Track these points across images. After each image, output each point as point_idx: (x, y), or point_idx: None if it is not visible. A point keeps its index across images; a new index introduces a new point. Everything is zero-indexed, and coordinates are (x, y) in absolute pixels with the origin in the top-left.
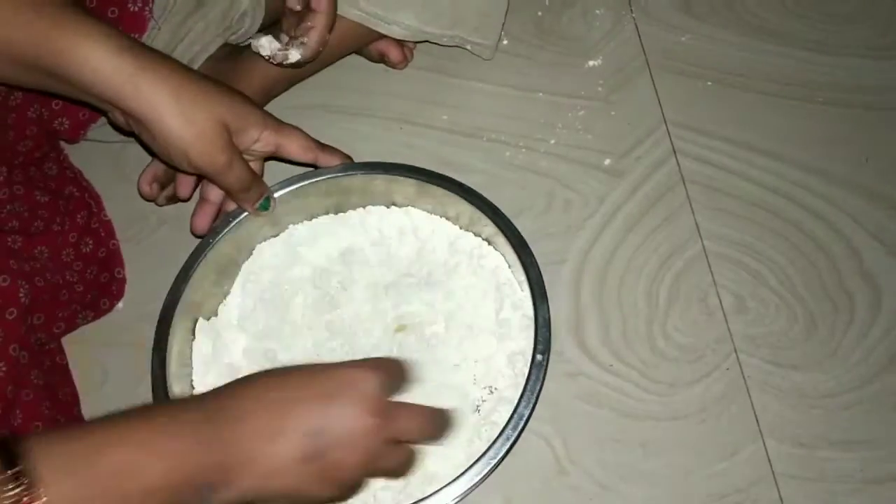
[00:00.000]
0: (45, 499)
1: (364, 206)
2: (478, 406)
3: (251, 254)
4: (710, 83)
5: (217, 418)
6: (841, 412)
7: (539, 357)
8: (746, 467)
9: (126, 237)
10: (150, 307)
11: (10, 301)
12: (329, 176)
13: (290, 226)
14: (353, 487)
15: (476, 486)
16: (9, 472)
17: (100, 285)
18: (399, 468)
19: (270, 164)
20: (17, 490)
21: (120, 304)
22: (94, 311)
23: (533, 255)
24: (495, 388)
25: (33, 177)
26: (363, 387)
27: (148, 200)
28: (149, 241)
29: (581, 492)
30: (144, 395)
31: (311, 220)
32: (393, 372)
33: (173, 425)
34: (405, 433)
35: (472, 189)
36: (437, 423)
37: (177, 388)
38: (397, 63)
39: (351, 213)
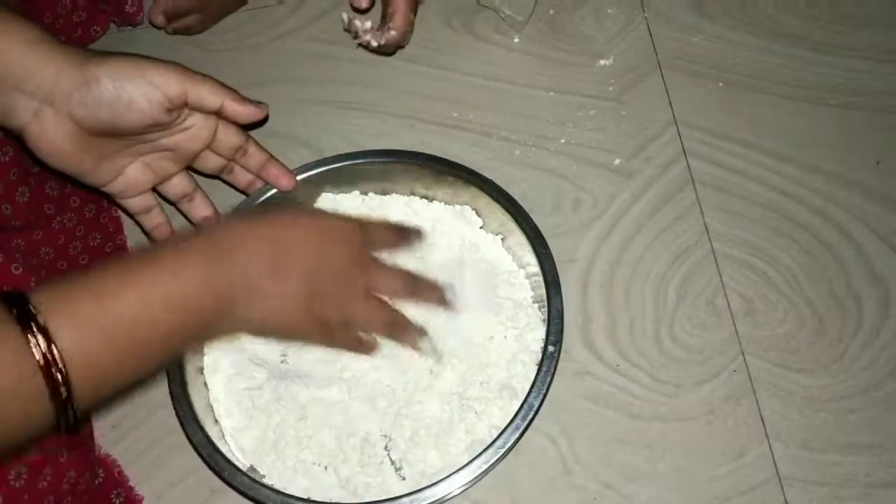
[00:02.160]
0: (58, 353)
1: (378, 194)
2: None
3: None
4: (721, 84)
5: (222, 258)
6: (848, 416)
7: (551, 349)
8: (752, 470)
9: (134, 232)
10: None
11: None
12: (346, 163)
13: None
14: (337, 331)
15: (484, 473)
16: (23, 327)
17: None
18: (374, 316)
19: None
20: (35, 347)
21: None
22: None
23: (548, 247)
24: (503, 382)
25: (43, 170)
26: (351, 238)
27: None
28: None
29: (586, 491)
30: (153, 385)
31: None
32: (377, 232)
33: (181, 266)
34: (379, 284)
35: (489, 179)
36: (409, 282)
37: (190, 374)
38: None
39: (371, 196)
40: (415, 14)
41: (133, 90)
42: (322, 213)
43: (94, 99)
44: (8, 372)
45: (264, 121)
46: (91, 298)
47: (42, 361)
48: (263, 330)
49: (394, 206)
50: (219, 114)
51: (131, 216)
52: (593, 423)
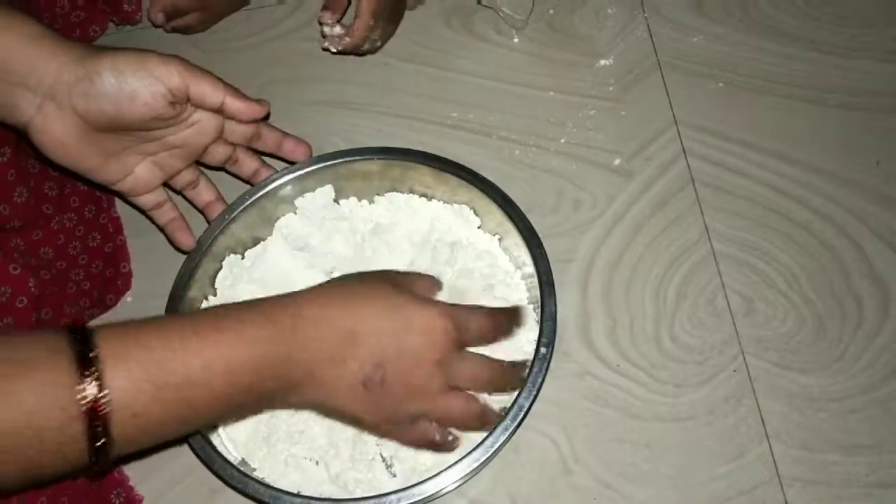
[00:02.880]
0: (111, 402)
1: (378, 192)
2: None
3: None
4: (721, 84)
5: (284, 337)
6: (848, 416)
7: (543, 350)
8: (752, 470)
9: (133, 232)
10: (156, 302)
11: (20, 290)
12: (345, 160)
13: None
14: (404, 426)
15: (474, 472)
16: (77, 368)
17: (106, 280)
18: (455, 415)
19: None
20: (86, 391)
21: (129, 299)
22: (100, 306)
23: (543, 248)
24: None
25: (42, 170)
26: (436, 335)
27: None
28: (155, 235)
29: (586, 491)
30: None
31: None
32: (463, 323)
33: (242, 339)
34: (463, 381)
35: (485, 178)
36: (495, 374)
37: None
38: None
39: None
40: (376, 21)
41: (135, 82)
42: (405, 294)
43: (96, 92)
44: (54, 410)
45: (265, 118)
46: (151, 351)
47: (88, 407)
48: (325, 410)
49: (392, 204)
50: (220, 111)
51: (143, 212)
52: (593, 423)
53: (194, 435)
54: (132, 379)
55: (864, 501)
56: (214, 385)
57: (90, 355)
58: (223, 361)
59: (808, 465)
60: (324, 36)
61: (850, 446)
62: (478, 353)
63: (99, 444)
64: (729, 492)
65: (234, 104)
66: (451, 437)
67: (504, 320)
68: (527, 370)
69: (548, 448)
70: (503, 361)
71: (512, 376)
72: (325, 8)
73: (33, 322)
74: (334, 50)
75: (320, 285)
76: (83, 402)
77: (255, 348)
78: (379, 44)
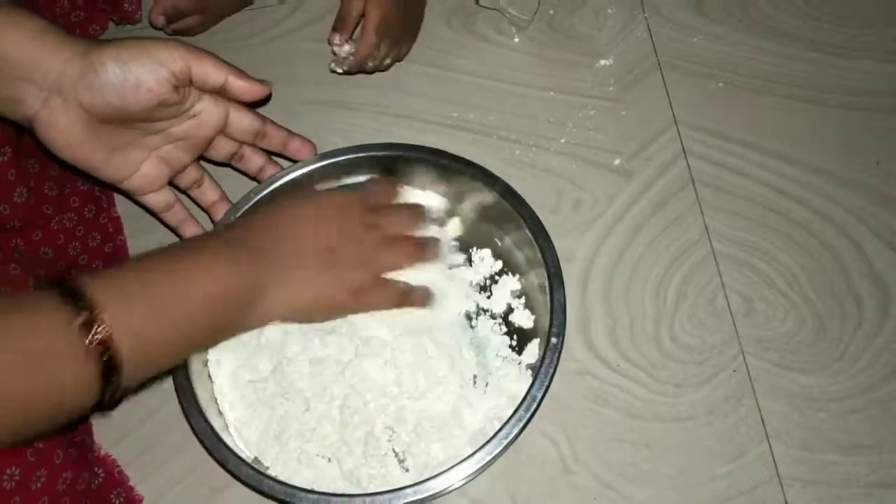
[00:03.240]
0: (108, 323)
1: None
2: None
3: None
4: (721, 84)
5: (248, 247)
6: (848, 416)
7: (554, 340)
8: (752, 470)
9: (133, 232)
10: None
11: (20, 290)
12: (350, 156)
13: None
14: (372, 289)
15: (488, 465)
16: (72, 305)
17: None
18: (400, 257)
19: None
20: (82, 318)
21: None
22: None
23: (550, 240)
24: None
25: (42, 170)
26: (352, 203)
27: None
28: (155, 235)
29: (585, 491)
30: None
31: None
32: (372, 193)
33: (211, 257)
34: (393, 223)
35: (489, 171)
36: (417, 216)
37: (194, 366)
38: None
39: None
40: (380, 40)
41: (138, 70)
42: (321, 193)
43: (101, 83)
44: (60, 344)
45: (267, 100)
46: (136, 277)
47: (89, 332)
48: (298, 309)
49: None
50: (224, 91)
51: (153, 214)
52: (593, 423)
53: (206, 433)
54: (122, 301)
55: (864, 501)
56: (202, 295)
57: (80, 289)
58: (204, 273)
59: (808, 465)
60: (334, 55)
61: (850, 446)
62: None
63: (108, 365)
64: (729, 492)
65: (236, 83)
66: (419, 288)
67: (393, 183)
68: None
69: (548, 448)
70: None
71: (424, 214)
72: (334, 30)
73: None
74: (340, 71)
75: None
76: (85, 329)
77: (223, 275)
78: (388, 62)
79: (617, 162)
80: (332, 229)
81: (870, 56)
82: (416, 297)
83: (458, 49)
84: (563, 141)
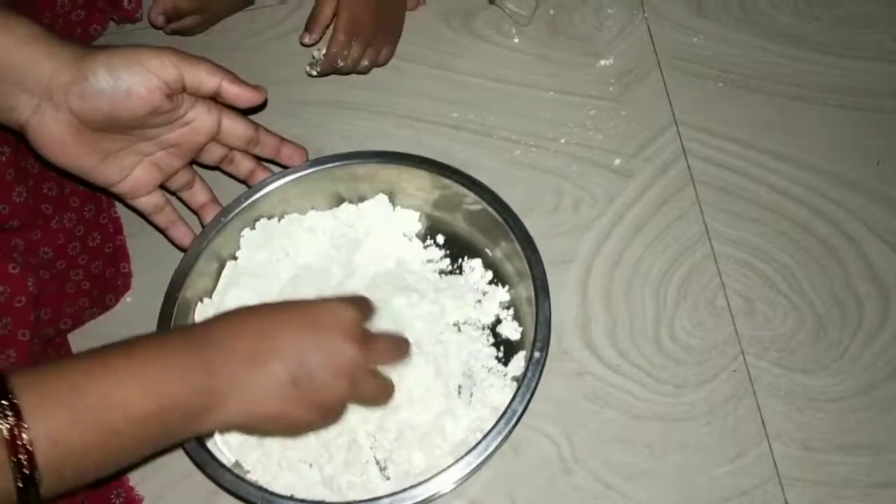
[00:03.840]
0: (30, 431)
1: (372, 196)
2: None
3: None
4: (721, 84)
5: (202, 347)
6: (848, 416)
7: (537, 354)
8: (752, 470)
9: (133, 232)
10: (156, 302)
11: (19, 289)
12: (341, 163)
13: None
14: (335, 412)
15: (468, 476)
16: None
17: (105, 280)
18: (378, 395)
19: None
20: (3, 422)
21: (128, 299)
22: (99, 306)
23: (538, 253)
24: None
25: (42, 170)
26: (343, 316)
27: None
28: (155, 235)
29: (585, 491)
30: None
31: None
32: (364, 305)
33: (157, 355)
34: (382, 357)
35: (481, 183)
36: (405, 347)
37: None
38: (410, 6)
39: (347, 206)
40: (351, 40)
41: (130, 78)
42: (311, 301)
43: (92, 91)
44: None
45: (262, 106)
46: (66, 380)
47: (8, 437)
48: (251, 424)
49: (376, 211)
50: (218, 97)
51: (143, 216)
52: (593, 423)
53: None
54: (49, 407)
55: (864, 501)
56: (131, 405)
57: (7, 389)
58: (137, 379)
59: (808, 465)
60: (313, 58)
61: (850, 446)
62: (380, 332)
63: (26, 474)
64: (729, 492)
65: (230, 88)
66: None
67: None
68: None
69: (548, 448)
70: (398, 335)
71: (408, 347)
72: (305, 29)
73: (31, 322)
74: (314, 73)
75: (228, 311)
76: (3, 432)
77: (169, 361)
78: (365, 63)
79: (617, 162)
80: (311, 346)
81: (870, 56)
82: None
83: (458, 49)
84: (563, 141)
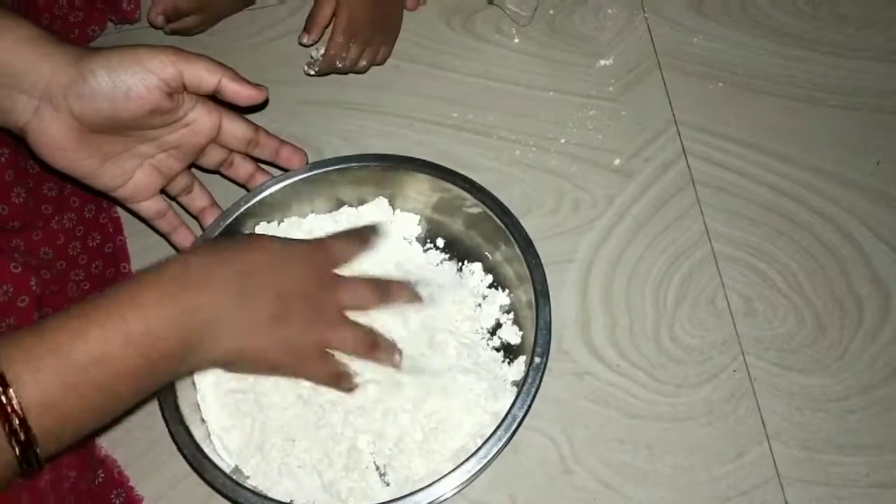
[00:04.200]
0: (16, 399)
1: (372, 199)
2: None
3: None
4: (721, 84)
5: (183, 287)
6: (848, 416)
7: (537, 360)
8: (752, 470)
9: (133, 232)
10: None
11: (22, 289)
12: (341, 166)
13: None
14: (310, 357)
15: (466, 483)
16: None
17: (105, 280)
18: (357, 343)
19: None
20: None
21: None
22: None
23: (538, 257)
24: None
25: (42, 171)
26: (312, 258)
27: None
28: (155, 235)
29: (585, 491)
30: None
31: (308, 213)
32: (336, 247)
33: (137, 303)
34: (354, 298)
35: (481, 186)
36: (382, 289)
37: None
38: (410, 6)
39: (346, 209)
40: (349, 40)
41: (129, 78)
42: (282, 239)
43: (91, 92)
44: None
45: (263, 105)
46: (48, 343)
47: (1, 411)
48: (234, 360)
49: (376, 214)
50: (218, 94)
51: (146, 222)
52: (593, 423)
53: (185, 442)
54: (34, 372)
55: (864, 501)
56: (116, 360)
57: None
58: (119, 332)
59: (808, 466)
60: (311, 58)
61: (850, 446)
62: (359, 276)
63: (22, 440)
64: (729, 492)
65: (230, 86)
66: (351, 375)
67: (364, 233)
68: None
69: (548, 448)
70: (383, 277)
71: (397, 285)
72: (304, 30)
73: (34, 320)
74: (312, 73)
75: (200, 248)
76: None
77: (149, 309)
78: (363, 63)
79: (617, 162)
80: (289, 285)
81: (870, 56)
82: (347, 381)
83: (459, 49)
84: (563, 141)
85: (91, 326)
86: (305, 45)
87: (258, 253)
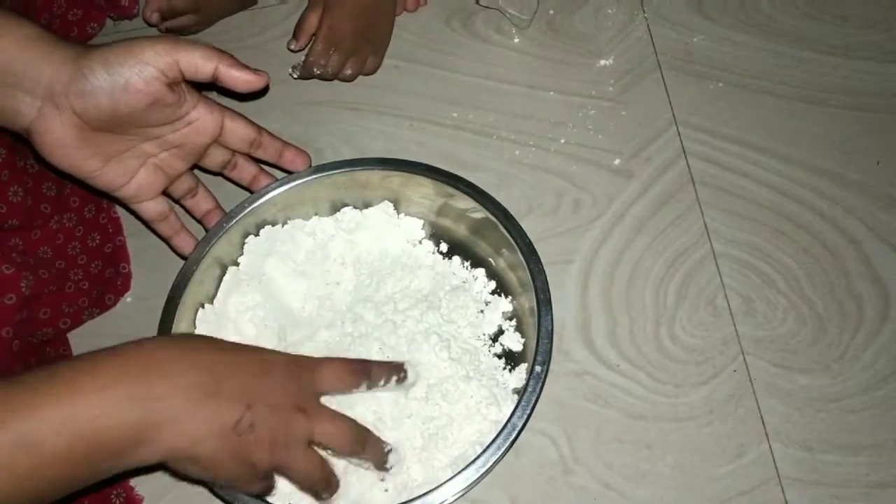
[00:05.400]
0: None
1: (375, 203)
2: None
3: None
4: (721, 84)
5: (143, 372)
6: (848, 416)
7: (538, 368)
8: (752, 470)
9: (133, 232)
10: (156, 302)
11: (10, 288)
12: (345, 170)
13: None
14: (261, 475)
15: (467, 489)
16: None
17: (105, 280)
18: (309, 472)
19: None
20: None
21: (128, 299)
22: (99, 306)
23: (541, 263)
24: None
25: (41, 170)
26: (296, 375)
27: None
28: (154, 237)
29: (586, 491)
30: None
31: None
32: (328, 373)
33: (85, 383)
34: (323, 436)
35: (485, 192)
36: (357, 439)
37: None
38: (410, 6)
39: (348, 211)
40: (329, 48)
41: (126, 72)
42: (267, 350)
43: (91, 88)
44: None
45: (264, 92)
46: None
47: None
48: (182, 460)
49: (380, 218)
50: (217, 81)
51: (147, 224)
52: (593, 423)
53: None
54: None
55: (864, 501)
56: (46, 446)
57: None
58: (57, 413)
59: (808, 465)
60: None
61: (850, 446)
62: (340, 413)
63: None
64: (729, 492)
65: (228, 72)
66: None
67: (363, 370)
68: (388, 450)
69: (548, 448)
70: (366, 429)
71: (374, 445)
72: (293, 36)
73: (16, 321)
74: (295, 76)
75: (176, 336)
76: None
77: (97, 394)
78: (349, 72)
79: (617, 162)
80: (262, 389)
81: (870, 56)
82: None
83: (458, 49)
84: (563, 141)
85: (33, 401)
86: (293, 51)
87: (230, 356)
